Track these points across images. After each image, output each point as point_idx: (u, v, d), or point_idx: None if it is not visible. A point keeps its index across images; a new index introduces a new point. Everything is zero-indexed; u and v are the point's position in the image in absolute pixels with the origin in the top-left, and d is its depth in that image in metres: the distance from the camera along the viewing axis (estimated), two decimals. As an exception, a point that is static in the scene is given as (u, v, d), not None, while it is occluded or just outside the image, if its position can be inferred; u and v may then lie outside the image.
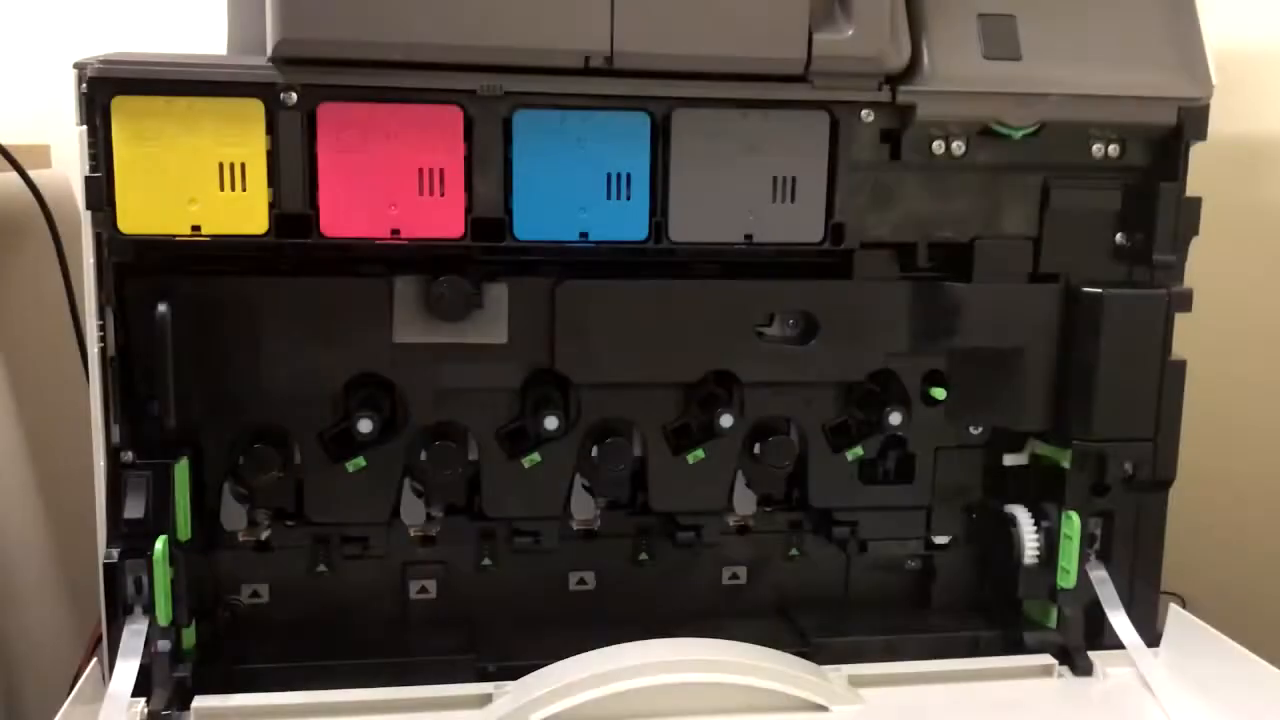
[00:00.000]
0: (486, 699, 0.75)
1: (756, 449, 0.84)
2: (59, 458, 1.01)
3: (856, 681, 0.78)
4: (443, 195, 0.73)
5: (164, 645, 0.73)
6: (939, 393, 0.85)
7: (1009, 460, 0.88)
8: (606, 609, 0.87)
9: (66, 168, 1.05)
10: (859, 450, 0.86)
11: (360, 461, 0.80)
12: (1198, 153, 0.82)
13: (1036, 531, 0.85)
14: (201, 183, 0.71)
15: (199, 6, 1.03)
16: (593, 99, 0.74)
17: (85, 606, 0.93)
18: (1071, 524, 0.83)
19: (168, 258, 0.75)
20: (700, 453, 0.83)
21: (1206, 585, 1.01)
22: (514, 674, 0.76)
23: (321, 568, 0.83)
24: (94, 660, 0.75)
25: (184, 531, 0.76)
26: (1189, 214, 0.82)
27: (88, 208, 0.71)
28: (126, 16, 1.18)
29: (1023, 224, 0.83)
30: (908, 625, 0.88)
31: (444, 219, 0.74)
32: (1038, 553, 0.85)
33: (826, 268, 0.82)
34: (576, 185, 0.75)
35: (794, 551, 0.89)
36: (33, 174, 0.96)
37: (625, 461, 0.82)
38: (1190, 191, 0.82)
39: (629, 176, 0.75)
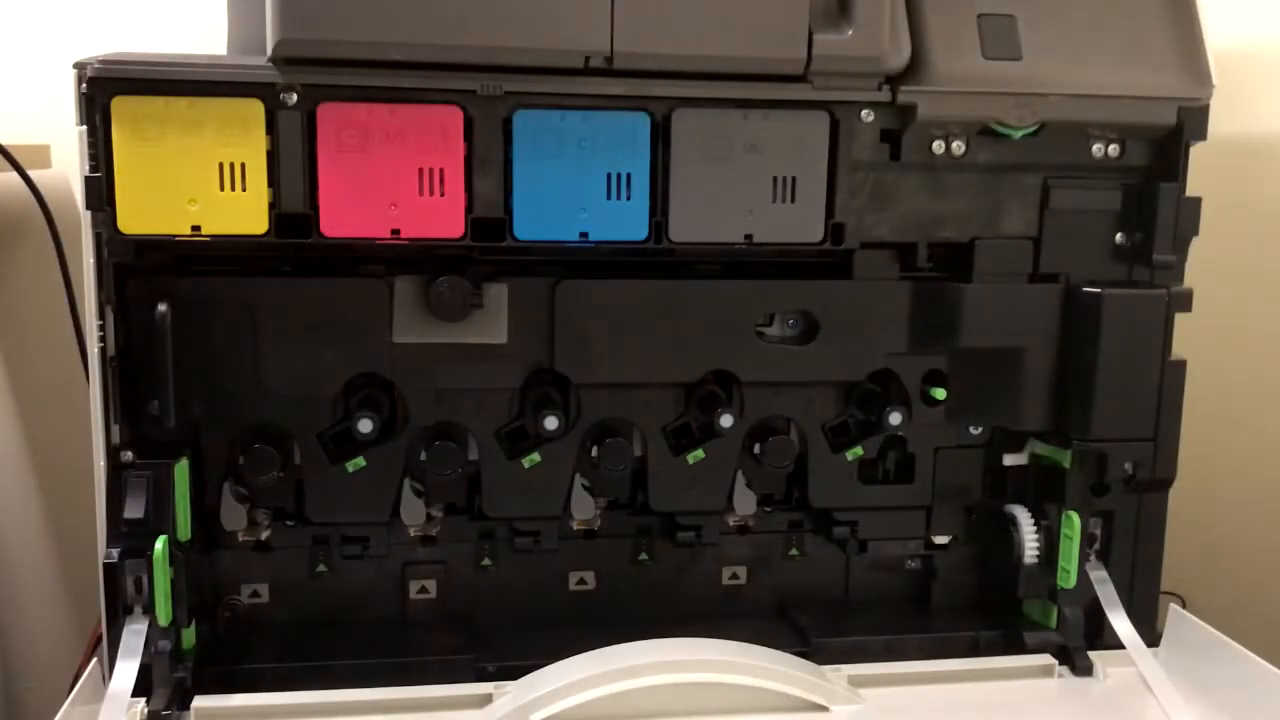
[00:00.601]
0: (486, 699, 0.75)
1: (756, 449, 0.84)
2: (59, 458, 1.01)
3: (856, 681, 0.78)
4: (443, 195, 0.73)
5: (164, 645, 0.73)
6: (939, 393, 0.85)
7: (1009, 460, 0.88)
8: (606, 609, 0.87)
9: (66, 168, 1.05)
10: (859, 450, 0.86)
11: (360, 461, 0.80)
12: (1198, 153, 0.82)
13: (1036, 531, 0.85)
14: (201, 183, 0.71)
15: (199, 6, 1.03)
16: (593, 99, 0.74)
17: (85, 606, 0.93)
18: (1071, 524, 0.83)
19: (168, 258, 0.75)
20: (700, 453, 0.83)
21: (1206, 585, 1.01)
22: (514, 674, 0.76)
23: (321, 568, 0.83)
24: (94, 660, 0.75)
25: (184, 531, 0.76)
26: (1189, 214, 0.82)
27: (88, 208, 0.71)
28: (126, 16, 1.18)
29: (1023, 224, 0.83)
30: (908, 625, 0.87)
31: (444, 219, 0.74)
32: (1038, 553, 0.85)
33: (826, 268, 0.82)
34: (576, 185, 0.75)
35: (794, 551, 0.89)
36: (33, 174, 0.96)
37: (625, 461, 0.82)
38: (1190, 191, 0.82)
39: (629, 176, 0.75)
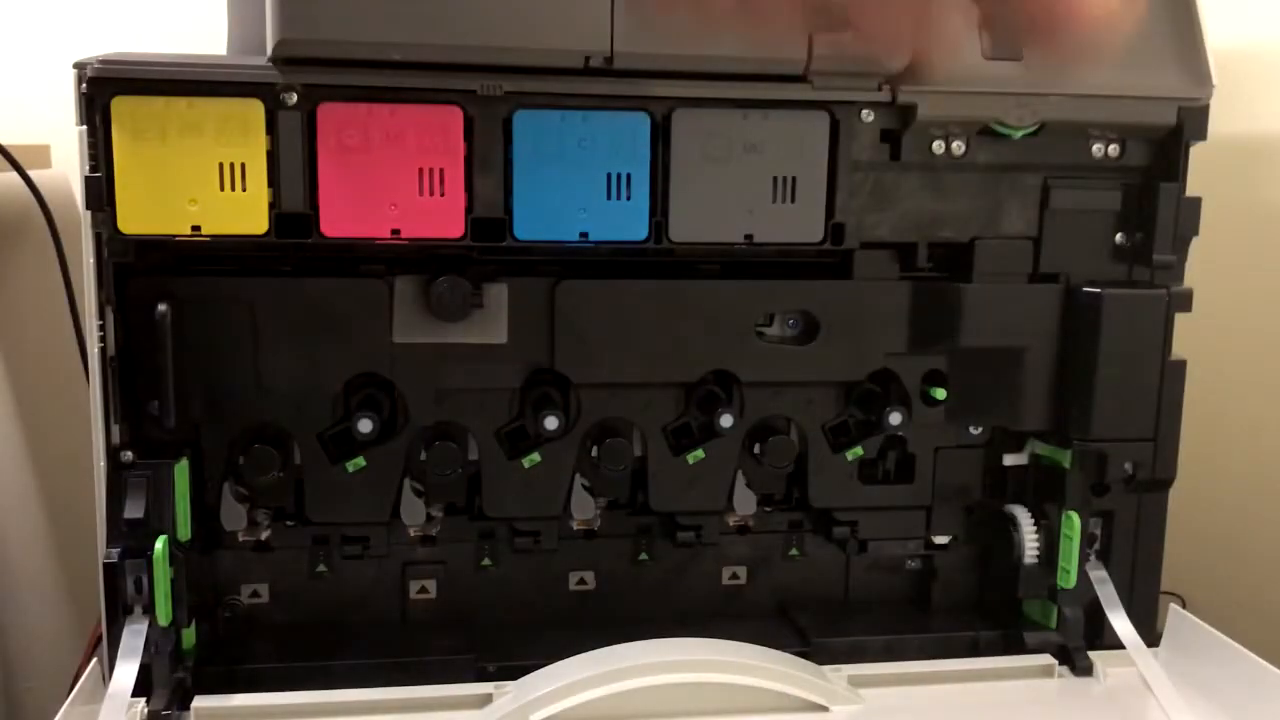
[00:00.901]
0: (486, 699, 0.75)
1: (756, 449, 0.84)
2: (59, 458, 1.02)
3: (856, 681, 0.78)
4: (443, 195, 0.73)
5: (164, 645, 0.73)
6: (939, 393, 0.85)
7: (1009, 460, 0.88)
8: (606, 609, 0.87)
9: (66, 168, 1.05)
10: (859, 450, 0.86)
11: (360, 461, 0.80)
12: (1198, 153, 0.82)
13: (1036, 531, 0.85)
14: (201, 183, 0.71)
15: (199, 6, 1.03)
16: (593, 99, 0.74)
17: (85, 606, 0.93)
18: (1071, 524, 0.83)
19: (168, 258, 0.75)
20: (700, 453, 0.83)
21: (1206, 585, 1.01)
22: (514, 674, 0.76)
23: (321, 568, 0.83)
24: (94, 660, 0.75)
25: (184, 531, 0.76)
26: (1189, 214, 0.82)
27: (88, 208, 0.71)
28: (126, 16, 1.18)
29: (1023, 224, 0.83)
30: (908, 625, 0.87)
31: (444, 219, 0.74)
32: (1038, 553, 0.85)
33: (826, 268, 0.82)
34: (576, 185, 0.75)
35: (794, 551, 0.89)
36: (33, 174, 0.96)
37: (625, 461, 0.82)
38: (1190, 191, 0.82)
39: (629, 176, 0.75)
